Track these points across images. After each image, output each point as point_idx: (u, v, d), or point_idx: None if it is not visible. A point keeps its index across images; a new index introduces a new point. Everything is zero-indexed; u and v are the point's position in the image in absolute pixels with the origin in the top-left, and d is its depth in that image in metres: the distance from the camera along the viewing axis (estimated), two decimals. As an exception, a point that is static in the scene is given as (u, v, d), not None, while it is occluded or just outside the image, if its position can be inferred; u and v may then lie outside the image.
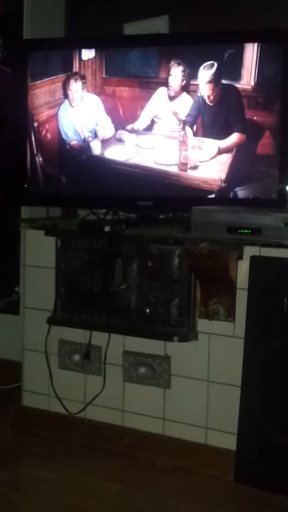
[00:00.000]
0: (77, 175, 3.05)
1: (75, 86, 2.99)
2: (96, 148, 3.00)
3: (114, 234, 2.88)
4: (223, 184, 2.82)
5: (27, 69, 3.05)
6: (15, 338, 3.31)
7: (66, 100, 3.03)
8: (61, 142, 3.06)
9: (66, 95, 3.02)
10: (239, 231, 2.60)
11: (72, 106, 3.02)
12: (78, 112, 3.02)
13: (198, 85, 2.82)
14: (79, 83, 2.99)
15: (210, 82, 2.80)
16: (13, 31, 3.42)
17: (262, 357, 2.64)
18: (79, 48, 2.98)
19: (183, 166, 2.87)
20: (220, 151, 2.81)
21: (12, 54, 3.24)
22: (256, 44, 2.72)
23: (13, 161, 3.17)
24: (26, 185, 3.11)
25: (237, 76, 2.76)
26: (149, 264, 2.84)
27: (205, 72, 2.80)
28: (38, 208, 3.27)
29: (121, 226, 2.89)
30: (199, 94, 2.82)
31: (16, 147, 3.13)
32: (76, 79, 2.99)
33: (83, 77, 2.98)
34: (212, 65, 2.78)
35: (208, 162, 2.83)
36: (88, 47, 2.97)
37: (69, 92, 3.01)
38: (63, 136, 3.05)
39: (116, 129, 2.97)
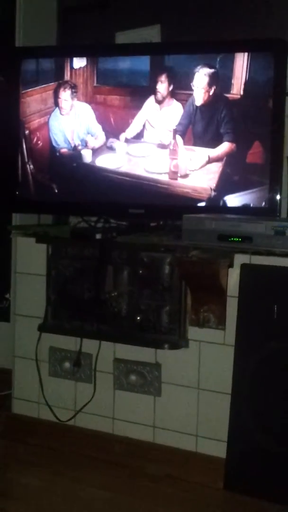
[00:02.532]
0: (68, 183, 3.06)
1: (65, 95, 3.01)
2: (87, 156, 3.01)
3: (105, 242, 2.89)
4: (213, 193, 2.83)
5: (19, 76, 3.07)
6: (6, 346, 3.31)
7: (57, 108, 3.04)
8: (52, 150, 3.07)
9: (56, 103, 3.04)
10: (229, 239, 2.61)
11: (62, 114, 3.03)
12: (68, 121, 3.03)
13: (189, 94, 2.84)
14: (69, 91, 3.00)
15: (201, 90, 2.81)
16: (5, 38, 3.42)
17: (252, 365, 2.65)
18: (71, 56, 2.99)
19: (174, 174, 2.89)
20: (210, 160, 2.82)
21: (4, 62, 3.25)
22: (246, 54, 2.74)
23: (4, 168, 3.18)
24: (17, 192, 3.12)
25: (228, 85, 2.78)
26: (140, 271, 2.85)
27: (196, 81, 2.81)
28: (29, 215, 3.28)
29: (112, 233, 2.90)
30: (190, 103, 2.84)
31: (7, 154, 3.14)
32: (66, 88, 3.00)
33: (73, 86, 3.00)
34: (203, 73, 2.79)
35: (198, 170, 2.85)
36: (80, 55, 2.99)
37: (60, 101, 3.03)
38: (54, 144, 3.06)
39: (107, 137, 2.99)
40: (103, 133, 2.99)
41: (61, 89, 3.00)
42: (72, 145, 3.02)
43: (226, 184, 2.82)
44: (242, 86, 2.75)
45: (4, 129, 3.17)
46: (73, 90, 2.99)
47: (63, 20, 3.41)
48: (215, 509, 2.62)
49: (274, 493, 2.59)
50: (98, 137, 2.99)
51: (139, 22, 3.14)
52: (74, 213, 3.12)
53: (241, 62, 2.74)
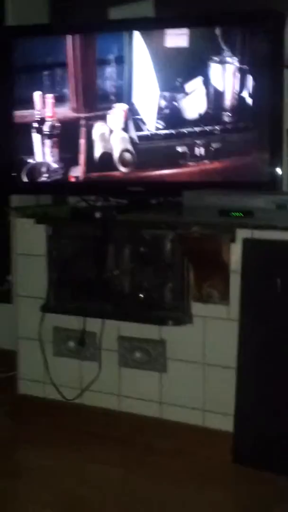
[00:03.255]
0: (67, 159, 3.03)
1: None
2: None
3: (106, 221, 2.88)
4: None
5: (12, 56, 3.03)
6: (9, 327, 3.31)
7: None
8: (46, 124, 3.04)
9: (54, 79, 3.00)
10: (231, 214, 2.61)
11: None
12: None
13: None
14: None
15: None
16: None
17: (257, 339, 2.66)
18: (63, 34, 2.96)
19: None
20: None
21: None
22: (243, 27, 2.71)
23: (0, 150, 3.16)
24: (14, 174, 3.10)
25: (223, 60, 2.75)
26: (142, 249, 2.85)
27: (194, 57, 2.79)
28: (28, 196, 3.26)
29: (112, 212, 2.89)
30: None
31: (2, 136, 3.11)
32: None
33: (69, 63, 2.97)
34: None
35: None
36: (74, 33, 2.95)
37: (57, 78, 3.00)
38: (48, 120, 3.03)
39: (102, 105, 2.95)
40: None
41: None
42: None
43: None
44: (241, 57, 2.73)
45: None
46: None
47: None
48: (224, 483, 2.65)
49: (282, 465, 2.62)
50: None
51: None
52: (73, 193, 3.10)
53: (239, 34, 2.72)
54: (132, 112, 2.91)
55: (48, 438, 3.01)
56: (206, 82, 2.79)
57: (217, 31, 2.74)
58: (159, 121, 2.87)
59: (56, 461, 2.83)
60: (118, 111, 2.92)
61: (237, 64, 2.73)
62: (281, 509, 2.44)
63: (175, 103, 2.84)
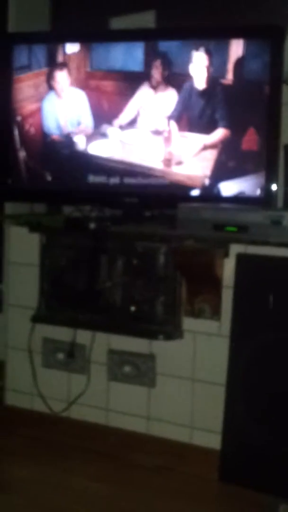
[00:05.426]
0: (62, 169, 3.01)
1: (61, 77, 2.96)
2: (80, 143, 2.96)
3: (100, 231, 2.85)
4: (208, 180, 2.79)
5: (11, 62, 3.01)
6: (-2, 336, 3.28)
7: (52, 92, 2.99)
8: (45, 137, 3.02)
9: (51, 87, 2.98)
10: (225, 229, 2.58)
11: (57, 99, 2.98)
12: (62, 105, 2.98)
13: (184, 80, 2.79)
14: (65, 74, 2.95)
15: (196, 76, 2.77)
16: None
17: (247, 356, 2.63)
18: (64, 42, 2.94)
19: (168, 162, 2.85)
20: (205, 147, 2.78)
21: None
22: (242, 40, 2.69)
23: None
24: (9, 181, 3.08)
25: (223, 69, 2.73)
26: (135, 261, 2.82)
27: (192, 67, 2.77)
28: (22, 204, 3.23)
29: (107, 223, 2.86)
30: (185, 89, 2.79)
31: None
32: (62, 70, 2.95)
33: (68, 70, 2.95)
34: (199, 59, 2.75)
35: (192, 158, 2.80)
36: (74, 41, 2.94)
37: (55, 83, 2.97)
38: (46, 130, 3.01)
39: (100, 124, 2.94)
40: (95, 120, 2.94)
41: (57, 71, 2.96)
42: (65, 132, 2.98)
43: (221, 172, 2.78)
44: (238, 71, 2.71)
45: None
46: (68, 74, 2.95)
47: (56, 5, 3.36)
48: (210, 501, 2.60)
49: (269, 484, 2.58)
50: (90, 124, 2.95)
51: (134, 8, 3.08)
52: (68, 202, 3.08)
53: (237, 48, 2.70)
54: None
55: (34, 451, 2.98)
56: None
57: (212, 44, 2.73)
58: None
59: (40, 474, 2.79)
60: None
61: (234, 78, 2.72)
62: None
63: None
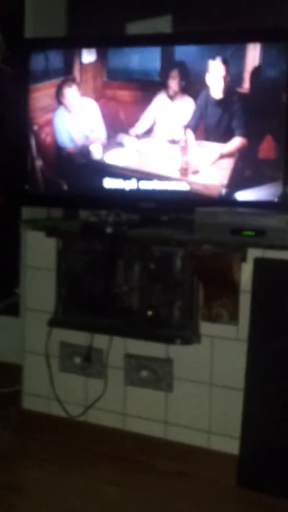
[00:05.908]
0: (78, 177, 3.03)
1: (71, 92, 2.97)
2: (96, 152, 2.97)
3: (116, 236, 2.85)
4: (225, 189, 2.79)
5: (28, 69, 3.03)
6: (16, 341, 3.29)
7: (62, 107, 3.00)
8: (59, 149, 3.03)
9: (61, 102, 2.99)
10: (242, 233, 2.58)
11: (68, 114, 2.99)
12: (73, 120, 2.99)
13: (200, 88, 2.79)
14: (75, 88, 2.96)
15: (213, 84, 2.77)
16: (14, 30, 3.39)
17: (266, 360, 2.62)
18: (80, 48, 2.95)
19: (184, 171, 2.85)
20: (222, 156, 2.78)
21: (14, 54, 3.22)
22: (259, 45, 2.69)
23: (13, 162, 3.15)
24: (26, 186, 3.09)
25: (240, 78, 2.73)
26: (152, 266, 2.82)
27: (209, 75, 2.77)
28: (39, 209, 3.25)
29: (123, 227, 2.86)
30: (201, 97, 2.79)
31: (16, 148, 3.11)
32: (72, 85, 2.96)
33: (79, 82, 2.95)
34: (216, 67, 2.75)
35: (209, 167, 2.80)
36: (90, 46, 2.95)
37: (63, 101, 2.98)
38: (60, 144, 3.02)
39: (116, 133, 2.94)
40: (109, 129, 2.94)
41: (66, 88, 2.96)
42: (79, 144, 2.98)
43: (238, 180, 2.78)
44: (255, 79, 2.71)
45: (13, 123, 3.14)
46: (79, 86, 2.95)
47: (72, 11, 3.38)
48: (227, 506, 2.59)
49: (287, 490, 2.56)
50: (103, 133, 2.95)
51: (150, 12, 3.09)
52: (85, 207, 3.09)
53: (253, 55, 2.69)
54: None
55: (51, 455, 2.98)
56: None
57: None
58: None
59: (57, 478, 2.79)
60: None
61: (251, 86, 2.71)
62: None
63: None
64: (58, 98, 3.00)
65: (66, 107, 3.00)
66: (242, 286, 2.68)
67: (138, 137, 2.92)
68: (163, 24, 3.04)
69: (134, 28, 3.10)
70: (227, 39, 2.77)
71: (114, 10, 3.25)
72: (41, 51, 3.02)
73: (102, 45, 2.95)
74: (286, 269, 2.59)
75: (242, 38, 2.73)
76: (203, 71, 2.78)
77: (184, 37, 2.90)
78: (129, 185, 2.95)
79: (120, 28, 3.16)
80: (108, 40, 3.01)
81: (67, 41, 3.20)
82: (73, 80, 2.97)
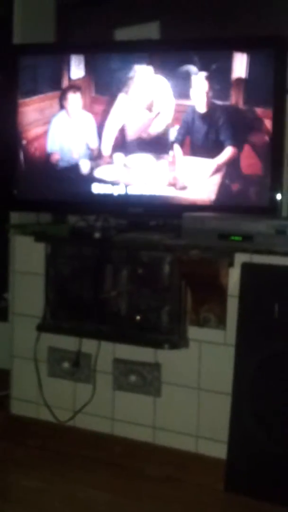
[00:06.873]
0: (67, 182, 3.03)
1: (72, 100, 2.97)
2: (84, 167, 2.98)
3: (105, 241, 2.86)
4: (213, 204, 2.80)
5: (17, 74, 3.03)
6: (4, 345, 3.28)
7: (62, 112, 3.00)
8: (50, 155, 3.04)
9: (62, 106, 3.00)
10: (230, 238, 2.59)
11: (68, 118, 3.00)
12: (71, 126, 2.99)
13: (187, 102, 2.80)
14: (78, 95, 2.96)
15: (197, 99, 2.78)
16: (3, 36, 3.39)
17: (253, 365, 2.63)
18: (69, 53, 2.96)
19: (172, 186, 2.86)
20: (219, 168, 2.78)
21: (2, 60, 3.22)
22: (246, 52, 2.70)
23: (2, 167, 3.15)
24: (15, 191, 3.09)
25: (225, 94, 2.74)
26: (140, 271, 2.82)
27: (194, 88, 2.78)
28: (28, 214, 3.24)
29: (112, 232, 2.87)
30: (187, 113, 2.80)
31: (5, 152, 3.11)
32: (74, 94, 2.96)
33: (76, 92, 2.97)
34: (200, 82, 2.76)
35: (202, 181, 2.81)
36: (78, 52, 2.95)
37: (65, 105, 2.99)
38: (52, 144, 3.03)
39: (105, 148, 2.95)
40: (100, 144, 2.95)
41: (71, 92, 2.97)
42: (69, 154, 2.99)
43: (225, 196, 2.78)
44: (242, 88, 2.71)
45: (3, 127, 3.14)
46: (76, 97, 2.96)
47: (61, 17, 3.38)
48: (215, 511, 2.60)
49: (275, 494, 2.57)
50: (96, 147, 2.96)
51: (138, 19, 3.10)
52: (73, 212, 3.09)
53: (239, 66, 2.70)
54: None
55: (39, 460, 2.97)
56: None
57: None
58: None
59: (46, 483, 2.79)
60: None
61: (236, 100, 2.73)
62: None
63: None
64: (61, 101, 3.00)
65: (67, 112, 2.99)
66: (229, 290, 2.69)
67: (126, 152, 2.92)
68: (151, 30, 3.05)
69: (122, 34, 3.11)
70: (211, 46, 2.78)
71: (103, 16, 3.25)
72: (30, 68, 3.02)
73: (90, 51, 2.95)
74: (273, 274, 2.61)
75: (228, 46, 2.74)
76: (187, 87, 2.77)
77: (168, 43, 2.92)
78: (118, 190, 2.96)
79: (109, 34, 3.17)
80: (96, 46, 3.01)
81: (55, 47, 3.20)
82: (78, 88, 2.97)
